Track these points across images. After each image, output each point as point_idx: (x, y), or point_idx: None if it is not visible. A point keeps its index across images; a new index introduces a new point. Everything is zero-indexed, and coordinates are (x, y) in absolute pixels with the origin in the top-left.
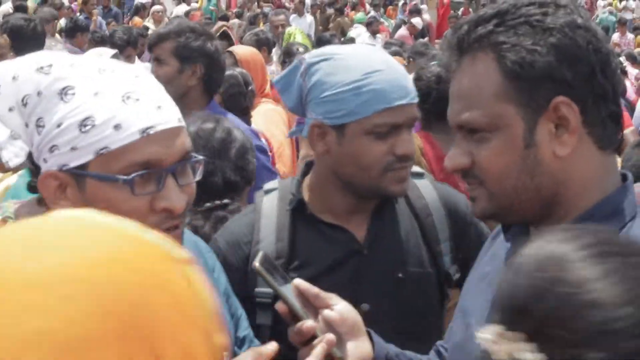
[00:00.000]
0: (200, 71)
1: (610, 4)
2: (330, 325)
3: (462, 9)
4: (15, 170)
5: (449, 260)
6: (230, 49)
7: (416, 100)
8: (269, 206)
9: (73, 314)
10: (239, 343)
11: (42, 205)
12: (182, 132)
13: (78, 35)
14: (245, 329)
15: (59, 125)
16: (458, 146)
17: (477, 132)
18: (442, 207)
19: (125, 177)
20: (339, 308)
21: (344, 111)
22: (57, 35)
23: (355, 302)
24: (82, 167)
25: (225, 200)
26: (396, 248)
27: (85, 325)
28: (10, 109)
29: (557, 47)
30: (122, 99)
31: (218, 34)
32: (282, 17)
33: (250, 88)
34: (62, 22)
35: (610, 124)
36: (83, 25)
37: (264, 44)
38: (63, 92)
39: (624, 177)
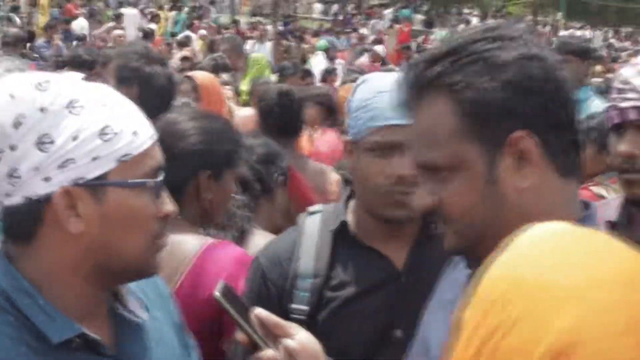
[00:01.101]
0: (133, 93)
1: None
2: (291, 355)
3: (422, 37)
4: None
5: None
6: (190, 74)
7: None
8: (312, 226)
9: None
10: None
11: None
12: None
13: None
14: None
15: (75, 138)
16: (423, 186)
17: (439, 172)
18: None
19: (154, 181)
20: (300, 337)
21: (356, 128)
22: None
23: (389, 328)
24: (101, 177)
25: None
26: (433, 278)
27: None
28: None
29: (511, 82)
30: (127, 107)
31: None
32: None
33: None
34: None
35: (571, 151)
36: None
37: (221, 69)
38: (70, 106)
39: (586, 205)
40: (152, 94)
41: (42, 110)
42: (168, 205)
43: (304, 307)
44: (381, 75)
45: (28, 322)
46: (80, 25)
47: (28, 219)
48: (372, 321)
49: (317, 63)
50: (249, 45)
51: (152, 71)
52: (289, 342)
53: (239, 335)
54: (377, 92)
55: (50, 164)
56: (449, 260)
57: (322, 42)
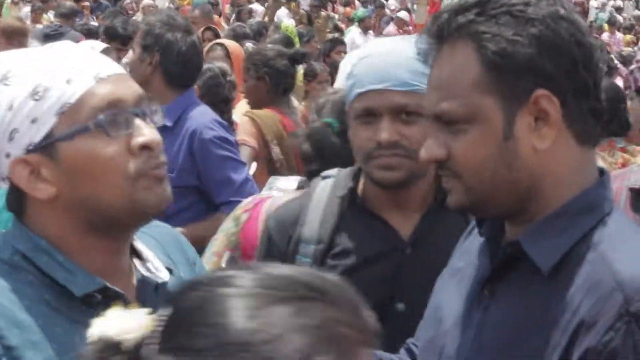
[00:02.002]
0: (155, 61)
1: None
2: None
3: None
4: None
5: None
6: (220, 41)
7: (398, 88)
8: (322, 191)
9: None
10: None
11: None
12: (130, 79)
13: None
14: None
15: (10, 108)
16: (434, 137)
17: (455, 124)
18: None
19: (95, 121)
20: None
21: (347, 96)
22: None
23: (391, 300)
24: (48, 137)
25: None
26: (441, 252)
27: None
28: None
29: (538, 39)
30: (63, 57)
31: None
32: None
33: (229, 79)
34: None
35: (591, 119)
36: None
37: (242, 37)
38: (4, 78)
39: (601, 172)
40: (173, 61)
41: None
42: (140, 137)
43: None
44: (374, 41)
45: (48, 280)
46: None
47: (15, 195)
48: (373, 292)
49: (351, 34)
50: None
51: (173, 38)
52: None
53: None
54: (360, 58)
55: (2, 140)
56: (461, 230)
57: (361, 10)
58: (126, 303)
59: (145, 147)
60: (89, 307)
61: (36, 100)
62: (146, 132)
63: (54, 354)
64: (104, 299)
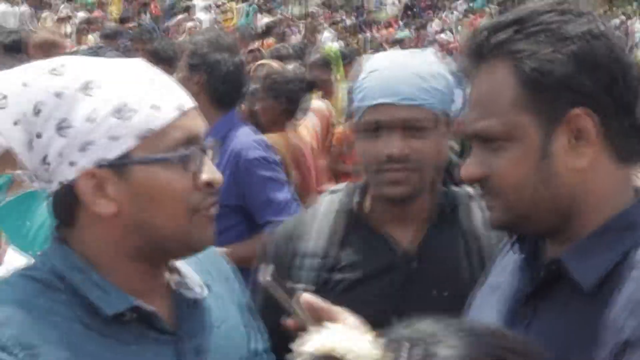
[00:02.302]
0: (201, 80)
1: None
2: None
3: None
4: None
5: None
6: (264, 61)
7: (408, 102)
8: (328, 206)
9: None
10: (252, 355)
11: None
12: (200, 113)
13: None
14: (259, 342)
15: (91, 120)
16: (474, 155)
17: (493, 142)
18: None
19: (178, 154)
20: (349, 322)
21: (354, 110)
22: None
23: (397, 314)
24: (123, 156)
25: None
26: (446, 266)
27: None
28: (16, 123)
29: (576, 56)
30: (149, 82)
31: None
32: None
33: None
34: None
35: (630, 137)
36: None
37: (283, 59)
38: (86, 87)
39: (637, 191)
40: (219, 80)
41: (57, 95)
42: (206, 174)
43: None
44: (381, 54)
45: (81, 299)
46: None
47: (66, 204)
48: (377, 306)
49: None
50: (323, 36)
51: (219, 58)
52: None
53: (288, 321)
54: (368, 72)
55: (72, 148)
56: (464, 243)
57: (405, 31)
58: (160, 321)
59: (209, 185)
60: (121, 325)
61: (119, 119)
62: (212, 169)
63: None
64: (137, 317)
